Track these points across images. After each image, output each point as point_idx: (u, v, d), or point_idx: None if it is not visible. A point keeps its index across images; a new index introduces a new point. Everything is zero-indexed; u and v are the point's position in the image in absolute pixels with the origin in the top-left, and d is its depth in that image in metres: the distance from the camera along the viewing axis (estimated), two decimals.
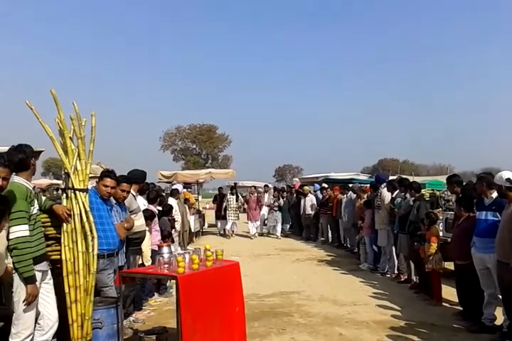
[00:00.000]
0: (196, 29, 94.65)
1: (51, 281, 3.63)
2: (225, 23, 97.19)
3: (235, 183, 17.79)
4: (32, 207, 3.47)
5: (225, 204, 15.14)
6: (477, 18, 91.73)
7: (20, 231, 3.27)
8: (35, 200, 3.56)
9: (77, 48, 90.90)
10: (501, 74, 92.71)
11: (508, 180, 4.48)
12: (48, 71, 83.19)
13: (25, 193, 3.41)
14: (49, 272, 3.62)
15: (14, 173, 3.49)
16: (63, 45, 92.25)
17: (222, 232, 15.63)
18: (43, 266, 3.52)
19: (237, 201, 15.24)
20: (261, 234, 15.55)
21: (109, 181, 4.39)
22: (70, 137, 3.87)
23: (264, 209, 15.48)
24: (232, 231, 15.44)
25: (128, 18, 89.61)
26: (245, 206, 16.10)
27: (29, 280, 3.29)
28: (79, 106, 3.96)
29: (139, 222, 5.43)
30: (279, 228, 15.09)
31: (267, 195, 15.70)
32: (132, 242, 5.11)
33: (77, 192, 3.80)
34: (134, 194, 5.55)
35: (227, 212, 14.99)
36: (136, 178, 5.55)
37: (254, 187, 16.49)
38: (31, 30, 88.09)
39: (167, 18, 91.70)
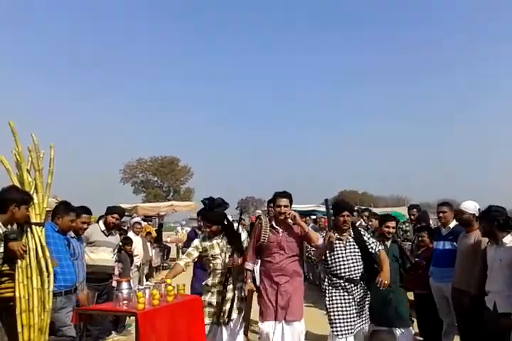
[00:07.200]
0: (156, 49, 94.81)
1: None
2: (182, 40, 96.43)
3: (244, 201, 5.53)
4: None
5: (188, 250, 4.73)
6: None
7: None
8: (2, 242, 3.43)
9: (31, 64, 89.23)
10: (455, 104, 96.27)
11: (479, 209, 4.60)
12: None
13: None
14: None
15: None
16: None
17: None
18: None
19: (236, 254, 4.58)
20: None
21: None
22: (28, 169, 3.79)
23: None
24: None
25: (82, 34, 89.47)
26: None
27: None
28: (36, 137, 3.91)
29: (97, 255, 5.27)
30: None
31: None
32: (88, 278, 4.94)
33: (33, 226, 3.68)
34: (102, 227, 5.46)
35: (208, 279, 4.68)
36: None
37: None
38: None
39: (121, 36, 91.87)
